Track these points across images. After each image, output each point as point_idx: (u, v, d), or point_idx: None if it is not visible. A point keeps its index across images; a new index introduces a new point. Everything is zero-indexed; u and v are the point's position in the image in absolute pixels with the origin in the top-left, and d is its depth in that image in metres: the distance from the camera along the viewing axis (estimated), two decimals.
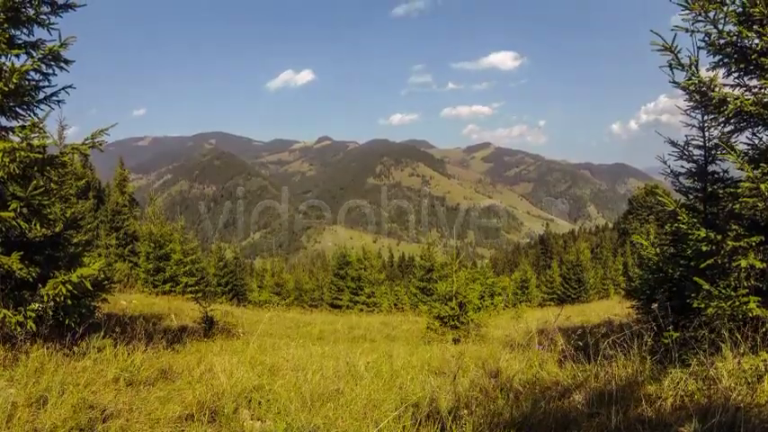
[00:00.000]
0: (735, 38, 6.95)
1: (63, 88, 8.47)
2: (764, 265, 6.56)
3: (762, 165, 6.54)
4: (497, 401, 5.50)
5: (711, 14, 6.98)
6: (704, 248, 7.04)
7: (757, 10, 6.56)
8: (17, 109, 8.18)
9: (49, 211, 8.25)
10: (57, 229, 8.46)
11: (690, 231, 7.38)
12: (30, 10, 8.13)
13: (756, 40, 6.78)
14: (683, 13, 7.16)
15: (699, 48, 7.27)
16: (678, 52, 7.32)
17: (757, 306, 6.42)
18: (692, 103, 7.78)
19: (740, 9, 6.91)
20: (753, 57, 6.84)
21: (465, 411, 5.08)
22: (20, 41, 8.21)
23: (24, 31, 8.22)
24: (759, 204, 6.54)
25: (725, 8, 6.98)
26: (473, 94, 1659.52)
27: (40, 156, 7.65)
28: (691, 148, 8.08)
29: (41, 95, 8.35)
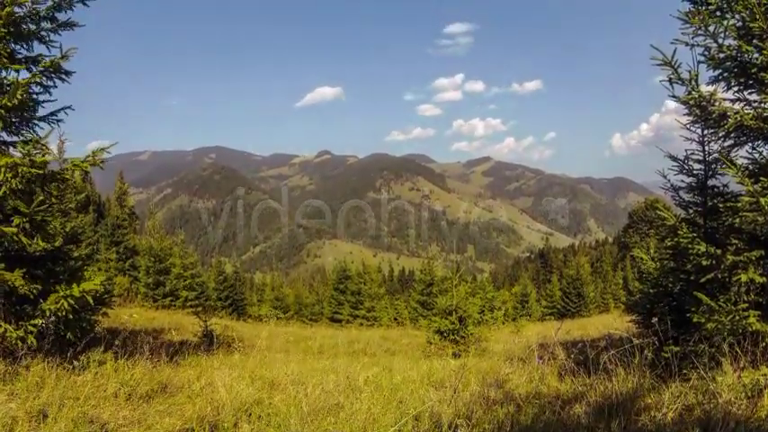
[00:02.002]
0: (735, 52, 6.96)
1: (62, 108, 8.58)
2: (764, 279, 6.56)
3: (762, 179, 6.55)
4: (498, 414, 5.51)
5: (711, 28, 7.00)
6: (704, 263, 7.04)
7: (757, 24, 6.58)
8: (19, 124, 8.22)
9: (50, 225, 8.26)
10: (57, 244, 8.45)
11: (690, 246, 7.38)
12: (31, 25, 8.18)
13: (756, 55, 6.79)
14: (683, 27, 7.19)
15: (699, 62, 7.29)
16: (678, 67, 7.33)
17: (757, 320, 6.41)
18: (692, 118, 7.79)
19: (740, 23, 6.93)
20: (753, 71, 6.85)
21: (466, 423, 5.08)
22: (20, 56, 8.26)
23: (25, 46, 8.28)
24: (759, 219, 6.55)
25: (725, 22, 7.00)
26: (483, 112, 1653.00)
27: (42, 171, 7.67)
28: (691, 163, 8.08)
29: (42, 112, 8.42)
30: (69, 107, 8.60)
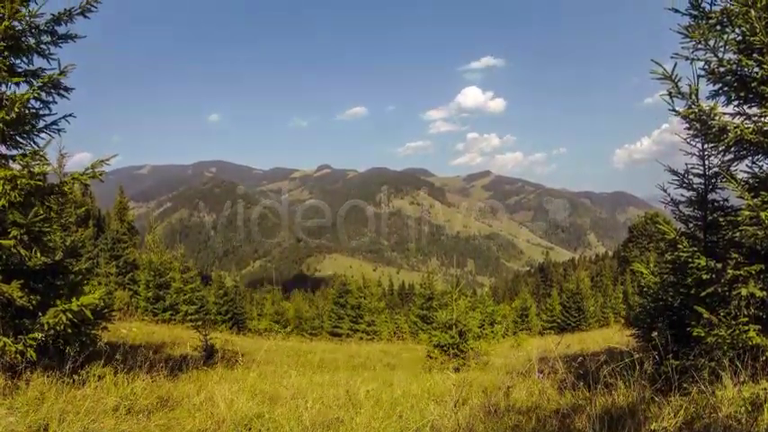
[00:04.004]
0: (735, 66, 6.98)
1: (63, 117, 8.51)
2: (765, 293, 6.56)
3: (762, 193, 6.56)
4: (499, 427, 5.50)
5: (711, 42, 7.01)
6: (704, 277, 7.04)
7: (757, 38, 6.60)
8: (18, 137, 8.21)
9: (49, 238, 8.26)
10: (57, 257, 8.45)
11: (690, 260, 7.39)
12: (30, 39, 8.19)
13: (756, 69, 6.81)
14: (683, 41, 7.21)
15: (699, 76, 7.29)
16: (678, 81, 7.34)
17: (757, 334, 6.41)
18: (692, 132, 7.80)
19: (740, 37, 6.96)
20: (753, 85, 6.87)
21: None
22: (20, 70, 8.26)
23: (24, 59, 8.28)
24: (759, 233, 6.55)
25: (725, 36, 7.03)
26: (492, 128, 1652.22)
27: (41, 184, 7.68)
28: (690, 177, 8.09)
29: (42, 124, 8.38)
30: (71, 115, 8.56)
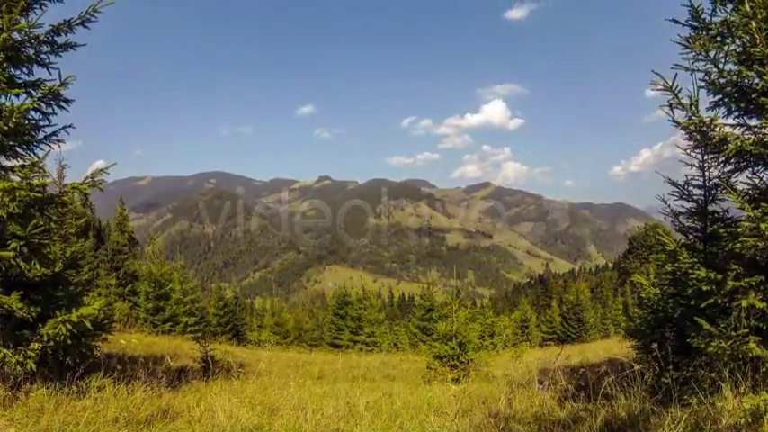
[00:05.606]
0: (735, 77, 6.98)
1: (63, 128, 8.51)
2: (765, 304, 6.55)
3: (762, 204, 6.55)
4: None
5: (712, 54, 7.01)
6: (705, 288, 7.03)
7: (758, 50, 6.61)
8: (17, 148, 8.21)
9: (48, 250, 8.24)
10: (56, 269, 8.43)
11: (690, 271, 7.38)
12: (30, 49, 8.20)
13: (756, 80, 6.82)
14: (683, 52, 7.21)
15: (699, 87, 7.29)
16: (678, 92, 7.34)
17: (757, 346, 6.40)
18: (692, 143, 7.81)
19: (740, 48, 6.96)
20: (753, 96, 6.87)
21: None
22: (20, 81, 8.26)
23: (24, 70, 8.28)
24: (759, 244, 6.55)
25: (725, 47, 7.03)
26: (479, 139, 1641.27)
27: (40, 195, 7.67)
28: (691, 188, 8.09)
29: (41, 135, 8.39)
30: (70, 125, 8.56)
